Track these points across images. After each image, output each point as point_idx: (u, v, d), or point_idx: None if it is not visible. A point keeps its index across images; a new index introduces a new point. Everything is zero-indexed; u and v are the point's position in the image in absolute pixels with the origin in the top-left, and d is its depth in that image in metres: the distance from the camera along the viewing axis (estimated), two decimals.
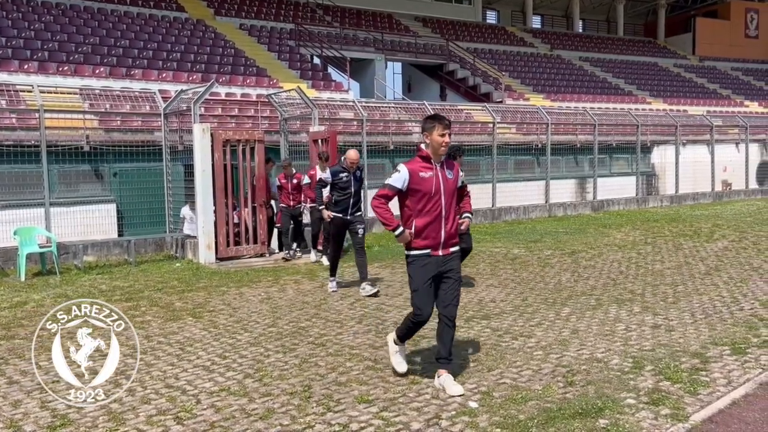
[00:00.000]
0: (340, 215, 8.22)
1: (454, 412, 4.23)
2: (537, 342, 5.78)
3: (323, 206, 8.49)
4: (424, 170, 4.71)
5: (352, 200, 8.22)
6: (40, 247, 10.10)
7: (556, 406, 4.26)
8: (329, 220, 8.33)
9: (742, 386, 4.57)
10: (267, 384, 4.85)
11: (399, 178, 4.69)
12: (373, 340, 5.95)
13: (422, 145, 4.82)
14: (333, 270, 8.42)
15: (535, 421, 4.04)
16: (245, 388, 4.78)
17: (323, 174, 8.49)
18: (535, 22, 37.92)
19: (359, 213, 8.43)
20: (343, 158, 8.40)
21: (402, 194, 4.74)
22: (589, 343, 5.68)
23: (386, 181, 4.75)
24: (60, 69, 16.68)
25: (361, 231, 8.34)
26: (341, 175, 8.22)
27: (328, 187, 9.91)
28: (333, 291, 8.22)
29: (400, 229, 4.73)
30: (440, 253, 4.72)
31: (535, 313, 6.86)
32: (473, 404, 4.36)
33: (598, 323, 6.38)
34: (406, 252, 4.83)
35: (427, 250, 4.71)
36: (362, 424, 4.08)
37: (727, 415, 4.12)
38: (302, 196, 11.05)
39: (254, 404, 4.46)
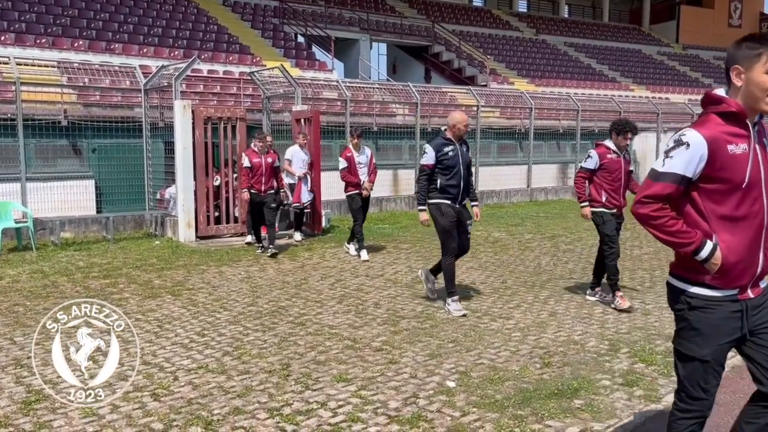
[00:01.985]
0: (448, 202, 6.19)
1: (432, 392, 4.26)
2: (515, 324, 5.83)
3: (424, 203, 6.26)
4: (733, 140, 2.53)
5: (463, 183, 6.23)
6: (16, 223, 9.95)
7: (532, 387, 4.31)
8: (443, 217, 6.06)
9: None
10: (245, 362, 4.84)
11: (687, 156, 2.51)
12: (353, 320, 5.96)
13: (719, 90, 2.62)
14: (450, 285, 6.27)
15: (512, 401, 4.08)
16: (223, 365, 4.77)
17: (427, 153, 6.18)
18: (521, 5, 37.78)
19: (465, 201, 6.42)
20: (445, 127, 6.38)
21: (689, 187, 2.57)
22: (566, 326, 5.74)
23: (656, 166, 2.62)
24: (38, 41, 16.31)
25: (470, 227, 6.39)
26: (446, 149, 6.18)
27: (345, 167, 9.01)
28: (460, 313, 6.12)
29: (709, 244, 2.54)
30: (750, 294, 2.65)
31: (514, 295, 6.91)
32: (451, 384, 4.39)
33: (576, 306, 6.44)
34: (675, 282, 2.71)
35: (733, 291, 2.61)
36: (340, 403, 4.10)
37: None
38: (277, 180, 9.72)
39: (232, 382, 4.45)
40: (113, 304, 6.35)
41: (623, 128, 6.43)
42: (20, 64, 11.98)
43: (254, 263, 8.81)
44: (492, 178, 17.31)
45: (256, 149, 9.53)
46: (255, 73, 13.42)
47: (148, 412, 3.96)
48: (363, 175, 9.17)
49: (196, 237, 10.58)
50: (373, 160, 9.40)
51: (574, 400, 4.10)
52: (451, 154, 6.16)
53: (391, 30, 27.42)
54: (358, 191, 9.13)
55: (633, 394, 4.20)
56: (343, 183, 9.27)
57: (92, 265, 8.58)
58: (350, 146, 9.27)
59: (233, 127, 10.94)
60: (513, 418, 3.85)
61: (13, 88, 10.85)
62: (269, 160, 9.57)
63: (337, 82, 16.60)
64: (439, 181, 6.18)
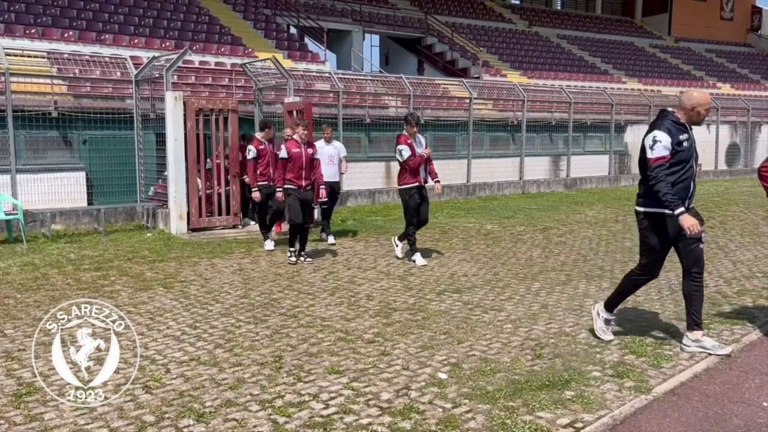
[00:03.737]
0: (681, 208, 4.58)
1: (423, 383, 4.27)
2: (507, 316, 5.85)
3: (681, 203, 4.56)
4: None
5: (693, 182, 4.78)
6: (7, 215, 9.89)
7: (523, 378, 4.33)
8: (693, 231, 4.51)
9: (704, 360, 4.68)
10: (237, 354, 4.84)
11: None
12: (345, 312, 5.97)
13: None
14: (698, 313, 4.85)
15: (503, 392, 4.10)
16: (215, 358, 4.77)
17: (661, 142, 4.59)
18: None
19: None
20: (672, 108, 4.80)
21: None
22: (557, 318, 5.77)
23: None
24: (27, 32, 16.17)
25: (704, 242, 4.80)
26: (681, 138, 4.63)
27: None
28: (726, 350, 4.77)
29: None
30: None
31: (506, 287, 6.94)
32: (443, 375, 4.41)
33: (568, 298, 6.47)
34: None
35: None
36: (332, 395, 4.10)
37: (689, 388, 4.23)
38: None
39: (224, 374, 4.45)
40: (105, 297, 6.36)
41: None
42: (10, 55, 11.87)
43: (246, 255, 8.80)
44: (485, 170, 17.33)
45: (297, 138, 8.10)
46: (247, 65, 13.34)
47: (140, 405, 3.96)
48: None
49: (188, 229, 10.55)
50: (428, 148, 8.34)
51: (564, 392, 4.12)
52: (686, 144, 4.64)
53: (383, 21, 27.34)
54: (417, 184, 7.99)
55: (623, 386, 4.23)
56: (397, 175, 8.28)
57: (83, 258, 8.54)
58: (405, 134, 8.06)
59: (225, 119, 10.88)
60: (504, 409, 3.87)
61: (3, 79, 10.76)
62: (310, 151, 8.10)
63: (330, 73, 16.56)
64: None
